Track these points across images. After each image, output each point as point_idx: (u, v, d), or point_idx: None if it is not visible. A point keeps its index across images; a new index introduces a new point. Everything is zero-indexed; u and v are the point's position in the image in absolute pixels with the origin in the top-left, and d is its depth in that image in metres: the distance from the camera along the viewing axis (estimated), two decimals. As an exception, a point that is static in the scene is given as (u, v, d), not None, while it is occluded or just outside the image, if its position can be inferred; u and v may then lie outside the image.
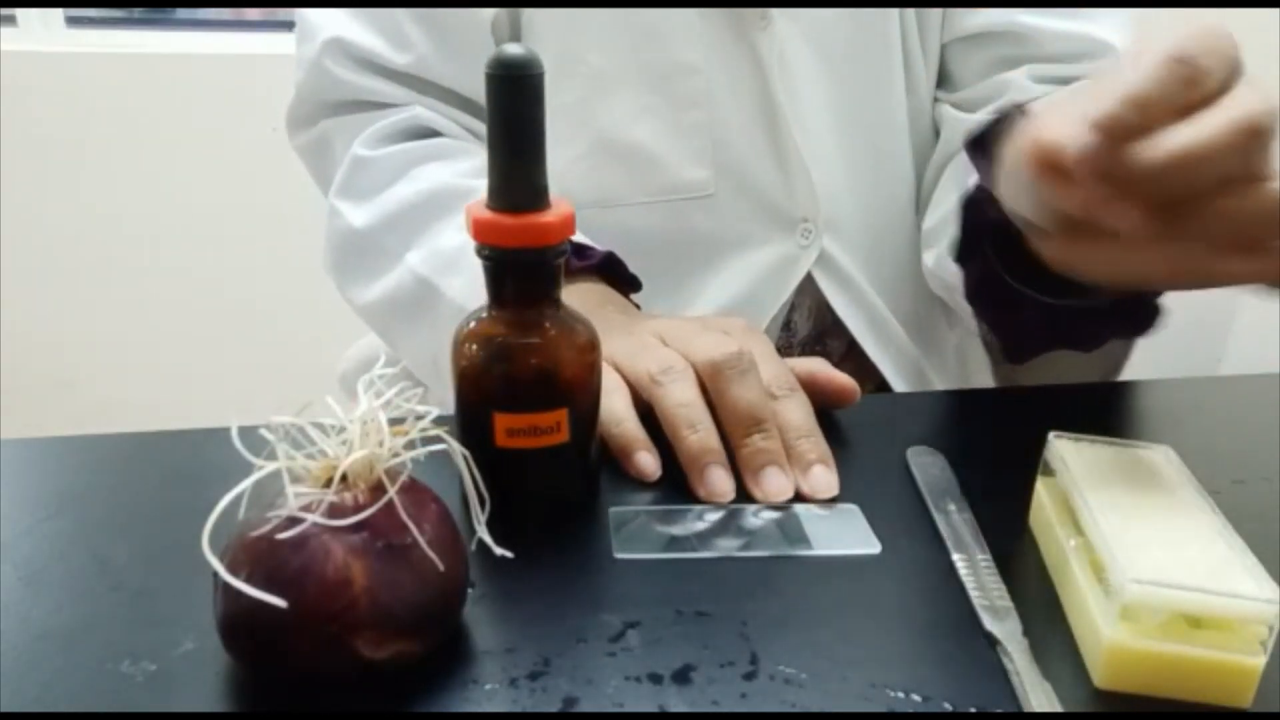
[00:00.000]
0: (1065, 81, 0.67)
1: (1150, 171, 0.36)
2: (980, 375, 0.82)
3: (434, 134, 0.67)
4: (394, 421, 0.34)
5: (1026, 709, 0.33)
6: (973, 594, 0.38)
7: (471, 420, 0.41)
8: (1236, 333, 2.25)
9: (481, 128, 0.68)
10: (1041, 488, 0.43)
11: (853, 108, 0.69)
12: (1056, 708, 0.33)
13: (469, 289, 0.58)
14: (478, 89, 0.66)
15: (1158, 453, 0.43)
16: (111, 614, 0.36)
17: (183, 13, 1.98)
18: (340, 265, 0.67)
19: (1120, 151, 0.36)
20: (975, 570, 0.40)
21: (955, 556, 0.41)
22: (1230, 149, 0.36)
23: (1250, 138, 0.36)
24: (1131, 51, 0.38)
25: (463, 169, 0.64)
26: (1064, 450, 0.42)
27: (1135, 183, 0.37)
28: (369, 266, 0.65)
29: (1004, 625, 0.36)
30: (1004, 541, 0.42)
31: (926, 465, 0.47)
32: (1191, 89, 0.36)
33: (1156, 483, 0.40)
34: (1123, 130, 0.36)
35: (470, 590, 0.37)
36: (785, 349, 0.75)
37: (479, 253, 0.40)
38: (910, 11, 0.68)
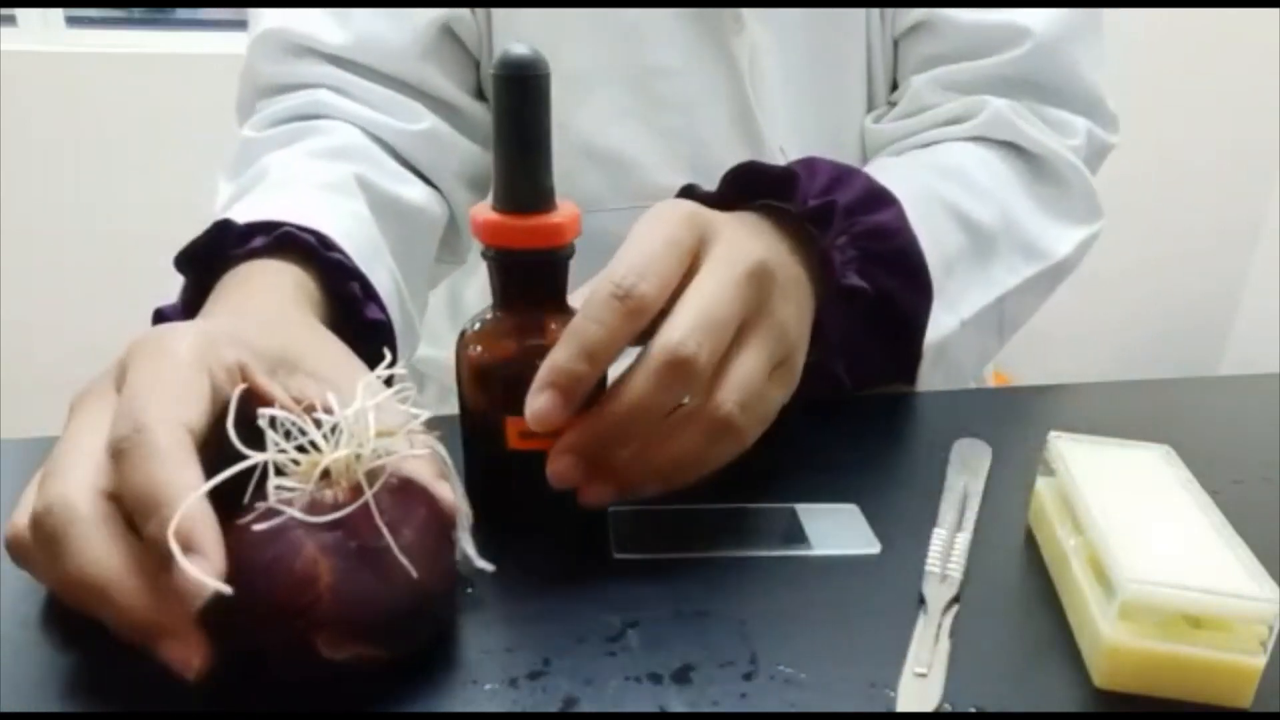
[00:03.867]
0: (966, 87, 0.67)
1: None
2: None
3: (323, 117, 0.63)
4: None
5: (910, 665, 0.34)
6: (930, 560, 0.40)
7: (480, 424, 0.41)
8: (1236, 333, 2.26)
9: (406, 104, 0.64)
10: (1041, 488, 0.43)
11: (821, 110, 0.69)
12: (940, 671, 0.34)
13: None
14: (410, 72, 0.63)
15: (1158, 453, 0.43)
16: (111, 614, 0.36)
17: (183, 13, 1.98)
18: None
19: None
20: (948, 544, 0.41)
21: (936, 530, 0.42)
22: (657, 394, 0.38)
23: (668, 374, 0.38)
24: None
25: (311, 147, 0.59)
26: (1064, 450, 0.42)
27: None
28: None
29: (937, 590, 0.38)
30: (1004, 541, 0.42)
31: (967, 453, 0.48)
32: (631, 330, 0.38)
33: (1156, 483, 0.40)
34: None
35: (469, 591, 0.37)
36: None
37: (484, 254, 0.40)
38: (875, 14, 0.68)
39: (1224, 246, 2.19)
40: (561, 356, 0.37)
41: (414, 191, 0.62)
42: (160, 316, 0.47)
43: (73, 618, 0.35)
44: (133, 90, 1.78)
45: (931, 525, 0.42)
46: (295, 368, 0.37)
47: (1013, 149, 0.66)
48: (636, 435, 0.39)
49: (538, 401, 0.37)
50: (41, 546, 0.31)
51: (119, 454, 0.31)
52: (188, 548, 0.29)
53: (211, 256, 0.47)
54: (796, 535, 0.42)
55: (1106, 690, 0.34)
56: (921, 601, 0.37)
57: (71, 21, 1.85)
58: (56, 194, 1.81)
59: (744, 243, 0.43)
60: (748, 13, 0.65)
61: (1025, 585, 0.40)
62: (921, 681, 0.33)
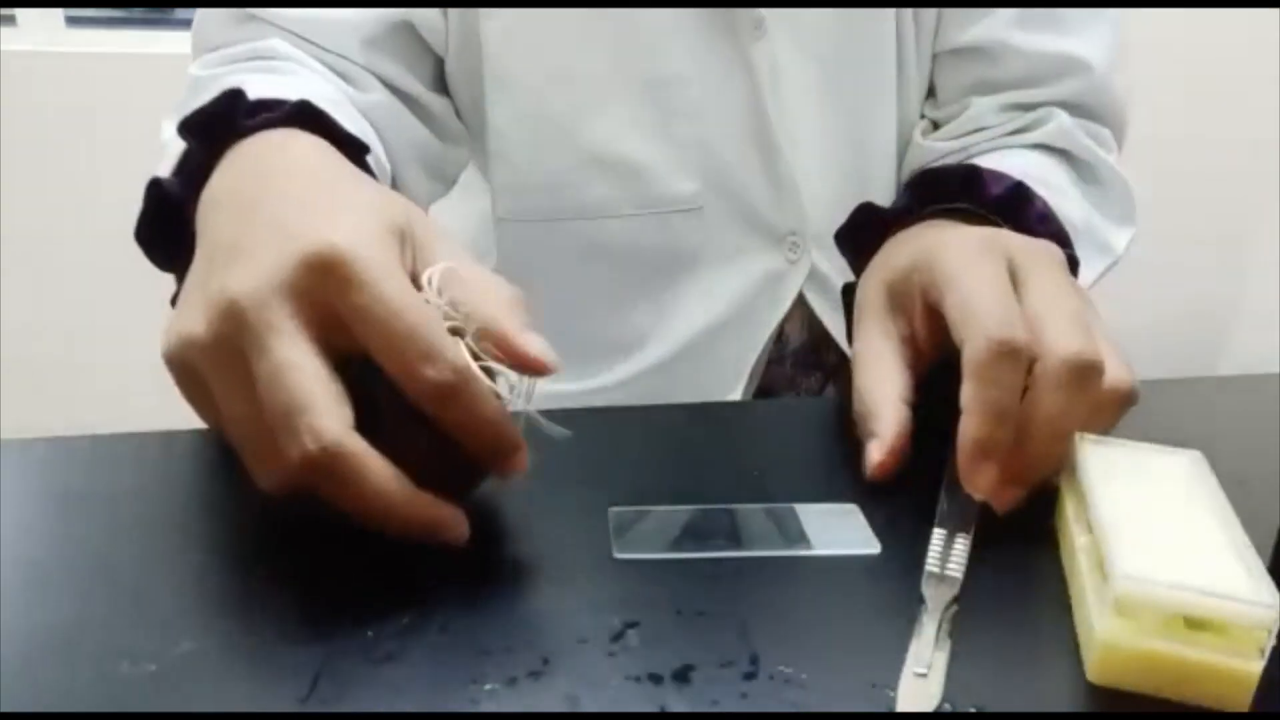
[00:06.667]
0: (1029, 107, 0.69)
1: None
2: None
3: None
4: None
5: (910, 665, 0.34)
6: (930, 560, 0.39)
7: None
8: (1236, 333, 2.26)
9: (360, 75, 0.62)
10: (1065, 488, 0.43)
11: (844, 120, 0.69)
12: (940, 671, 0.34)
13: (160, 165, 0.49)
14: (356, 55, 0.61)
15: (1184, 457, 0.42)
16: (111, 614, 0.36)
17: (183, 13, 1.97)
18: None
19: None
20: (948, 544, 0.41)
21: (936, 530, 0.41)
22: (1074, 402, 0.41)
23: (1080, 379, 0.41)
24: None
25: (277, 80, 0.57)
26: (1086, 451, 0.42)
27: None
28: None
29: (937, 590, 0.38)
30: (1004, 541, 0.42)
31: None
32: (1018, 370, 0.41)
33: (1175, 486, 0.40)
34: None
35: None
36: (777, 360, 0.74)
37: None
38: (910, 21, 0.68)
39: (1224, 246, 2.19)
40: (984, 429, 0.40)
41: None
42: (158, 187, 0.46)
43: (73, 616, 0.35)
44: (133, 90, 1.78)
45: (931, 525, 0.42)
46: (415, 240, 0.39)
47: (1065, 155, 0.69)
48: (1058, 445, 0.42)
49: (982, 476, 0.41)
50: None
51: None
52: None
53: (219, 126, 0.45)
54: (796, 535, 0.42)
55: (1101, 687, 0.34)
56: (921, 601, 0.37)
57: (71, 21, 1.85)
58: (56, 194, 1.81)
59: (1030, 243, 0.47)
60: (770, 19, 0.64)
61: (1026, 585, 0.40)
62: (921, 681, 0.33)
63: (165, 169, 0.47)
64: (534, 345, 0.37)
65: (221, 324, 0.35)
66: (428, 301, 0.36)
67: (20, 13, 1.81)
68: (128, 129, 1.81)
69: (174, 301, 0.46)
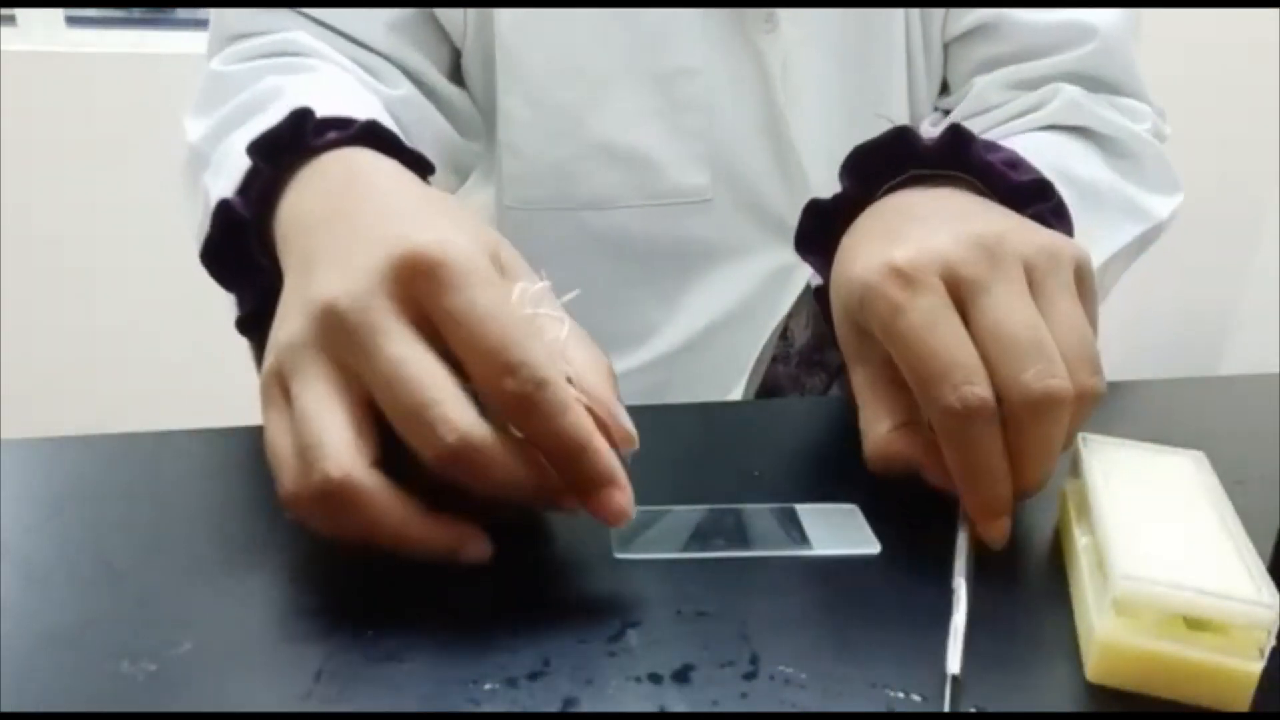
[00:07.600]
0: (1035, 85, 0.66)
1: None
2: None
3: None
4: None
5: (950, 666, 0.33)
6: (958, 559, 0.39)
7: None
8: (1236, 333, 2.26)
9: (384, 67, 0.63)
10: (1069, 489, 0.43)
11: (855, 115, 0.68)
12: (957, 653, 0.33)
13: (219, 183, 0.49)
14: (378, 41, 0.62)
15: (1186, 457, 0.42)
16: (111, 614, 0.36)
17: (183, 13, 1.98)
18: (182, 189, 0.59)
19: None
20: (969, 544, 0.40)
21: (960, 533, 0.41)
22: (1051, 433, 0.39)
23: (1049, 413, 0.38)
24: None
25: (310, 78, 0.57)
26: (1090, 452, 0.42)
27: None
28: (193, 183, 0.56)
29: (964, 587, 0.37)
30: (1023, 541, 0.42)
31: None
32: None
33: (1179, 487, 0.40)
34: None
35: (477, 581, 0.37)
36: (783, 360, 0.74)
37: None
38: (915, 15, 0.68)
39: (1224, 246, 2.19)
40: (985, 492, 0.40)
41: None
42: (227, 208, 0.45)
43: (73, 616, 0.35)
44: (133, 90, 1.78)
45: (931, 525, 0.42)
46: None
47: (1085, 133, 0.66)
48: (1038, 474, 0.40)
49: (998, 531, 0.40)
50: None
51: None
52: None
53: (288, 148, 0.45)
54: (796, 535, 0.42)
55: (1101, 687, 0.34)
56: (953, 598, 0.37)
57: (71, 21, 1.85)
58: (56, 194, 1.81)
59: (969, 236, 0.40)
60: (781, 12, 0.64)
61: (1026, 585, 0.40)
62: (957, 684, 0.33)
63: (226, 188, 0.46)
64: (629, 423, 0.37)
65: (322, 329, 0.34)
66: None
67: (20, 13, 1.81)
68: (128, 129, 1.82)
69: (240, 324, 0.47)
